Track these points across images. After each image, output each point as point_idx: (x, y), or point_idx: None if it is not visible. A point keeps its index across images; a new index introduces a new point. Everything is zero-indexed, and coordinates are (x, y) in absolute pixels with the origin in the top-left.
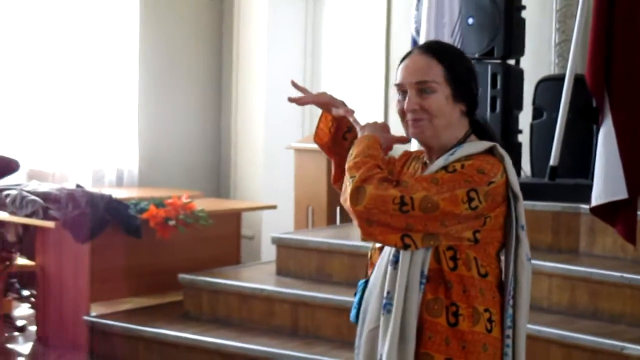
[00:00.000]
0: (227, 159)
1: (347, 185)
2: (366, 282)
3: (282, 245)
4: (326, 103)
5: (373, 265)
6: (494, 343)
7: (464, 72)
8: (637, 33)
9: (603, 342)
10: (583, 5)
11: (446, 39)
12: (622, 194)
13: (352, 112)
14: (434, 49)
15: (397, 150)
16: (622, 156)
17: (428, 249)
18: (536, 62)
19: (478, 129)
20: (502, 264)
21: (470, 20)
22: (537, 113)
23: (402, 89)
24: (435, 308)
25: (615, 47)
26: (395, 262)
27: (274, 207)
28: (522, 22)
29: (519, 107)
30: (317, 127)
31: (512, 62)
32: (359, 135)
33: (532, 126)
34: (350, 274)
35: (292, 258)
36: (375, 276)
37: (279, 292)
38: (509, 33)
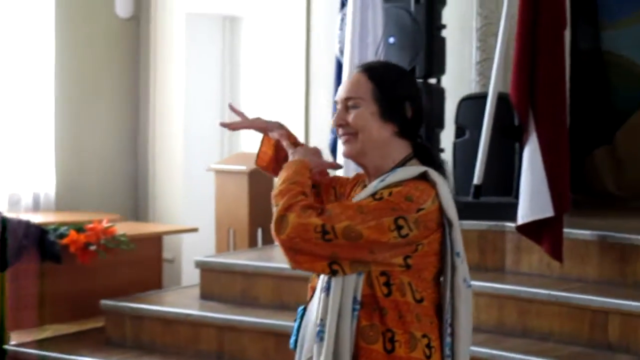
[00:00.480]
0: (145, 181)
1: (273, 213)
2: (305, 308)
3: (206, 268)
4: (262, 128)
5: (313, 289)
6: None
7: (396, 92)
8: (560, 53)
9: None
10: (505, 25)
11: (369, 58)
12: (548, 212)
13: (285, 135)
14: (369, 67)
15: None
16: (547, 174)
17: (360, 275)
18: (457, 81)
19: (422, 154)
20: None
21: (392, 40)
22: (459, 131)
23: (337, 105)
24: (370, 335)
25: (538, 66)
26: (328, 288)
27: (195, 230)
28: (443, 41)
29: (441, 125)
30: (259, 150)
31: (433, 81)
32: (290, 158)
33: (454, 145)
34: (275, 297)
35: (217, 281)
36: (313, 302)
37: (204, 317)
38: (430, 52)
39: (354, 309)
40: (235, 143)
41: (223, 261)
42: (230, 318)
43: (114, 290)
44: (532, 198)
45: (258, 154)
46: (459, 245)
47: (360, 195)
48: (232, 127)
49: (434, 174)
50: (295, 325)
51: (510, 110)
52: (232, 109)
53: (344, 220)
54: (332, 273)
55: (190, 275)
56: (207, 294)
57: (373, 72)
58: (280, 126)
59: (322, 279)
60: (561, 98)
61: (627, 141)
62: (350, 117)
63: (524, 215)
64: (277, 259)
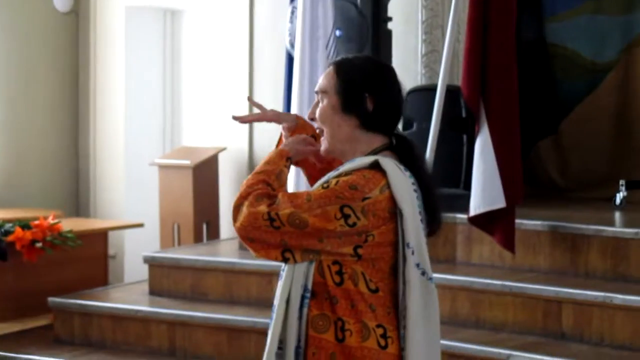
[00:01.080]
0: (86, 176)
1: None
2: None
3: (154, 264)
4: (273, 120)
5: None
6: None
7: (355, 82)
8: (510, 46)
9: (488, 351)
10: (454, 18)
11: (320, 51)
12: (500, 203)
13: (286, 127)
14: (338, 61)
15: None
16: (499, 166)
17: (311, 263)
18: (403, 73)
19: (401, 147)
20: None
21: (338, 33)
22: (407, 124)
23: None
24: (320, 324)
25: (489, 59)
26: (282, 276)
27: (140, 225)
28: (389, 33)
29: None
30: (278, 143)
31: None
32: None
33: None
34: (225, 292)
35: (166, 277)
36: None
37: (155, 313)
38: (376, 45)
39: (304, 297)
40: (177, 137)
41: (172, 256)
42: (182, 314)
43: (60, 287)
44: (484, 189)
45: (277, 146)
46: (411, 236)
47: (315, 184)
48: (243, 119)
49: (386, 163)
50: None
51: (458, 102)
52: (251, 101)
53: (289, 208)
54: (285, 260)
55: (134, 271)
56: (156, 290)
57: (340, 65)
58: (294, 118)
59: (281, 268)
60: (512, 90)
61: (572, 131)
62: (317, 113)
63: (476, 206)
64: (226, 254)
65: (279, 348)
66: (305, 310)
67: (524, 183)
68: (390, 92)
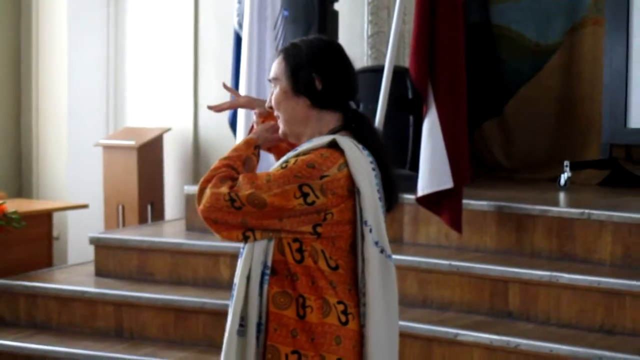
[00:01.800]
0: (28, 157)
1: None
2: None
3: (100, 245)
4: (246, 105)
5: None
6: (352, 336)
7: (301, 63)
8: (458, 27)
9: (436, 330)
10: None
11: (269, 32)
12: (447, 183)
13: (258, 112)
14: (285, 47)
15: None
16: (447, 147)
17: (270, 241)
18: (350, 54)
19: (356, 125)
20: None
21: (286, 13)
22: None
23: None
24: (281, 301)
25: (437, 41)
26: (242, 254)
27: (85, 206)
28: (336, 14)
29: None
30: (251, 129)
31: None
32: None
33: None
34: (173, 272)
35: (112, 258)
36: None
37: (101, 294)
38: (323, 26)
39: (263, 274)
40: (121, 118)
41: (118, 237)
42: (128, 294)
43: (5, 269)
44: (431, 170)
45: (249, 132)
46: (369, 214)
47: (274, 165)
48: (217, 108)
49: (344, 141)
50: None
51: (404, 83)
52: (226, 87)
53: (249, 189)
54: (245, 239)
55: (78, 253)
56: (102, 271)
57: (287, 50)
58: (263, 104)
59: (241, 247)
60: (459, 72)
61: (516, 113)
62: (272, 100)
63: (423, 187)
64: (172, 234)
65: (241, 325)
66: (265, 287)
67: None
68: (338, 68)
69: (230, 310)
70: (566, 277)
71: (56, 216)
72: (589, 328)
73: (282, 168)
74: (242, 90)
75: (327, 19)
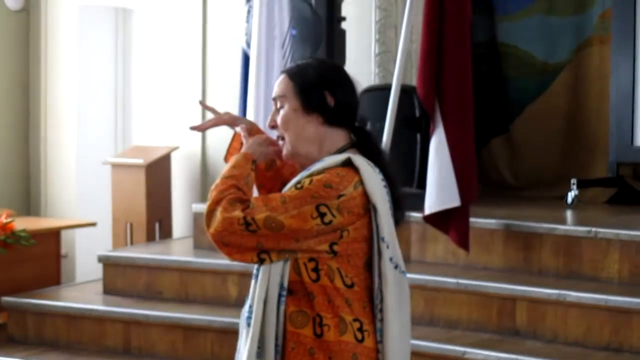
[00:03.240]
0: (37, 175)
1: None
2: None
3: (108, 263)
4: (228, 123)
5: None
6: (367, 353)
7: (312, 81)
8: (465, 46)
9: (443, 348)
10: (408, 18)
11: (277, 51)
12: (455, 201)
13: (245, 127)
14: (290, 67)
15: None
16: (454, 165)
17: (286, 262)
18: (357, 73)
19: (362, 142)
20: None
21: (293, 32)
22: (361, 123)
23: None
24: (298, 320)
25: (445, 59)
26: (257, 276)
27: (93, 224)
28: (343, 33)
29: None
30: (230, 146)
31: None
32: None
33: None
34: (181, 290)
35: (120, 276)
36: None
37: (110, 312)
38: (331, 44)
39: (280, 295)
40: (129, 136)
41: (127, 255)
42: (136, 312)
43: (13, 286)
44: (439, 188)
45: (228, 150)
46: (385, 231)
47: (288, 185)
48: (200, 128)
49: (358, 160)
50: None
51: (412, 101)
52: (203, 105)
53: (264, 212)
54: (260, 262)
55: (86, 271)
56: (110, 289)
57: (292, 70)
58: (249, 121)
59: (255, 268)
60: (467, 90)
61: (523, 131)
62: (278, 119)
63: (431, 205)
64: (180, 252)
65: (258, 347)
66: (282, 307)
67: None
68: (346, 85)
69: (246, 332)
70: (573, 295)
71: (64, 234)
72: (596, 346)
73: (297, 189)
74: (251, 109)
75: (335, 38)
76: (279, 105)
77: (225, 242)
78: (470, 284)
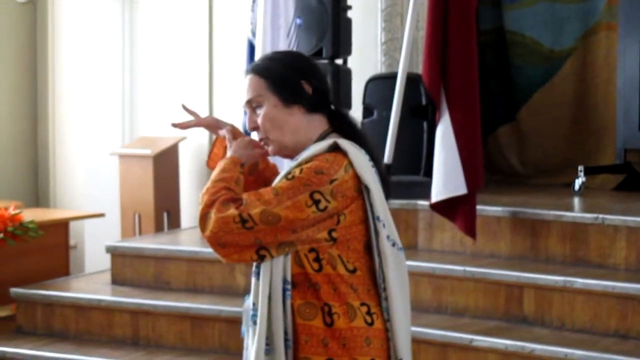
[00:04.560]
0: (45, 167)
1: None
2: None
3: (116, 253)
4: (211, 125)
5: None
6: (378, 335)
7: (285, 74)
8: (471, 33)
9: (451, 336)
10: (414, 6)
11: (282, 40)
12: (462, 189)
13: (230, 130)
14: (254, 66)
15: None
16: (460, 153)
17: (287, 255)
18: (363, 61)
19: (341, 125)
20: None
21: (299, 21)
22: (367, 112)
23: (246, 111)
24: (307, 312)
25: (450, 47)
26: (258, 272)
27: (102, 215)
28: (349, 22)
29: (349, 106)
30: (211, 151)
31: (340, 61)
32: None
33: (362, 124)
34: (188, 280)
35: (129, 266)
36: (251, 289)
37: (118, 302)
38: (337, 33)
39: (285, 290)
40: (137, 127)
41: (135, 246)
42: (145, 302)
43: (22, 278)
44: (445, 176)
45: (209, 155)
46: (379, 210)
47: (278, 178)
48: (183, 126)
49: (344, 143)
50: (243, 313)
51: (418, 89)
52: (185, 109)
53: (259, 206)
54: (260, 258)
55: (95, 261)
56: (118, 279)
57: (258, 68)
58: (232, 125)
59: (254, 265)
60: (472, 78)
61: (530, 118)
62: (260, 120)
63: (437, 193)
64: (188, 242)
65: (267, 344)
66: (288, 301)
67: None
68: (316, 71)
69: (256, 334)
70: (580, 282)
71: (73, 225)
72: (603, 333)
73: (288, 180)
74: None
75: (341, 27)
76: (255, 106)
77: (222, 243)
78: (477, 271)
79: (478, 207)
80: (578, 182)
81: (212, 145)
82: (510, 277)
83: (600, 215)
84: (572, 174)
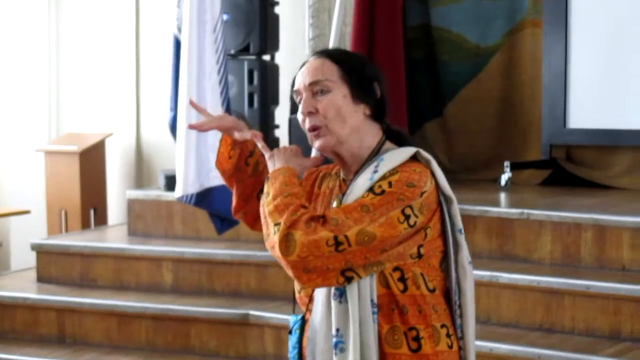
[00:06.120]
0: None
1: (272, 233)
2: (303, 319)
3: (42, 251)
4: (230, 127)
5: (302, 299)
6: (453, 357)
7: (364, 72)
8: (397, 30)
9: None
10: (340, 1)
11: (208, 35)
12: None
13: (260, 135)
14: (329, 51)
15: None
16: None
17: (372, 275)
18: (291, 57)
19: (392, 137)
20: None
21: (226, 17)
22: (294, 107)
23: (299, 95)
24: (394, 339)
25: (376, 42)
26: (340, 295)
27: (27, 212)
28: (277, 17)
29: (276, 102)
30: (218, 151)
31: (267, 57)
32: (269, 165)
33: (290, 120)
34: (115, 277)
35: (54, 264)
36: (318, 313)
37: (44, 300)
38: (264, 29)
39: (373, 312)
40: (63, 123)
41: (60, 243)
42: (70, 300)
43: None
44: None
45: (217, 157)
46: (460, 222)
47: (356, 191)
48: (202, 128)
49: (424, 153)
50: (294, 338)
51: None
52: (194, 105)
53: (353, 226)
54: (347, 280)
55: (21, 259)
56: (44, 277)
57: (335, 55)
58: (250, 126)
59: (334, 287)
60: (399, 74)
61: (457, 114)
62: (322, 105)
63: None
64: (114, 239)
65: None
66: (376, 327)
67: None
68: (384, 81)
69: (338, 358)
70: (506, 276)
71: None
72: (529, 327)
73: (376, 194)
74: (183, 94)
75: (268, 23)
76: (317, 90)
77: (308, 269)
78: None
79: None
80: (504, 178)
81: (219, 145)
82: None
83: (526, 211)
84: (498, 170)
